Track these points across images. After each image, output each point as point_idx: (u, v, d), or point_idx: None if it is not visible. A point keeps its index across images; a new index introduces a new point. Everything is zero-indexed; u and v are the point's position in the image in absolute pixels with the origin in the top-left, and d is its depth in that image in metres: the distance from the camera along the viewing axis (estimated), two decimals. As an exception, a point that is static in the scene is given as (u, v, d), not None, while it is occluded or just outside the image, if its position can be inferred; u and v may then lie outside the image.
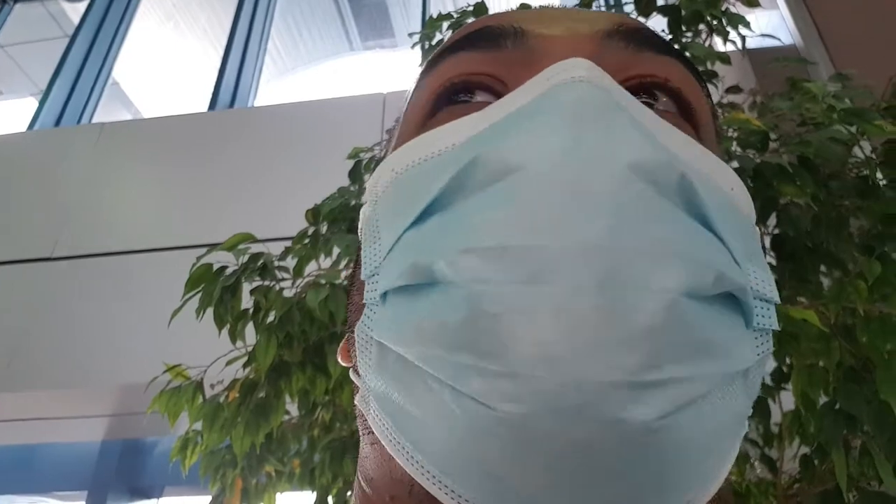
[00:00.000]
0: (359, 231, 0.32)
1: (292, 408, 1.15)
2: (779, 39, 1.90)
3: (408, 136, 0.32)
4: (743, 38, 1.07)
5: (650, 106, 0.29)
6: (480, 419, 0.21)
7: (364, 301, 0.26)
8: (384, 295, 0.25)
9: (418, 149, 0.28)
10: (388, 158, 0.30)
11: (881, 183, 0.86)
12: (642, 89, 0.30)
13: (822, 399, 0.83)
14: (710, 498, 0.24)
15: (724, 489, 0.26)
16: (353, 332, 0.29)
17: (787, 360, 0.95)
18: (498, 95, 0.30)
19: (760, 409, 0.98)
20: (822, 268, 0.94)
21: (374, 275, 0.26)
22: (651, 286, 0.20)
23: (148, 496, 2.71)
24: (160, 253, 2.33)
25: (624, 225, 0.21)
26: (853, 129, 0.74)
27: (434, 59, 0.34)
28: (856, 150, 0.86)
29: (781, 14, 2.20)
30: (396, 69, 4.25)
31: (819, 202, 0.83)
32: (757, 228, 0.28)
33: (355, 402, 0.29)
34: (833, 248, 0.88)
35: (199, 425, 1.17)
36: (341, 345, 0.36)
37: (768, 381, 1.03)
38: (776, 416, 1.06)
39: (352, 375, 0.30)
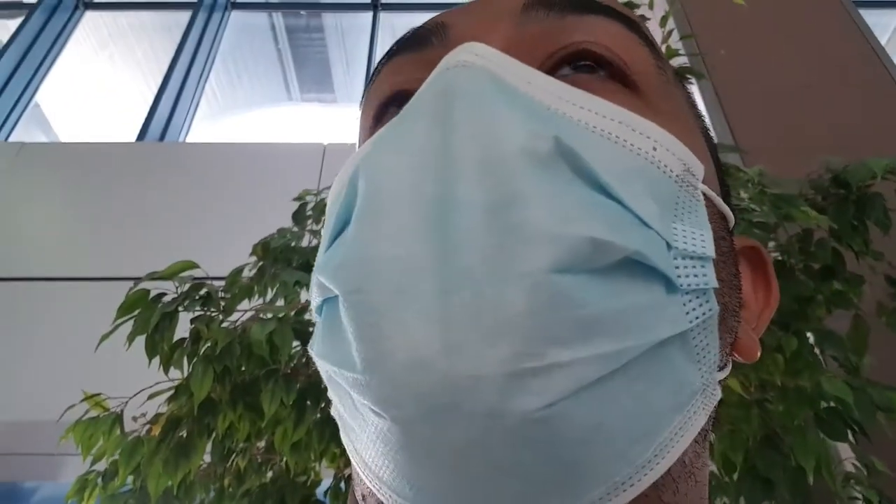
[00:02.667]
0: None
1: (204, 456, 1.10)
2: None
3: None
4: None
5: (591, 70, 0.29)
6: (379, 427, 0.22)
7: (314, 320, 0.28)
8: (319, 313, 0.27)
9: (346, 167, 0.29)
10: (336, 179, 0.30)
11: (795, 265, 0.95)
12: (569, 60, 0.29)
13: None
14: (667, 474, 0.23)
15: (698, 466, 0.26)
16: None
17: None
18: None
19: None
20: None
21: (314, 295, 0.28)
22: (509, 273, 0.20)
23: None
24: (72, 283, 2.19)
25: (476, 219, 0.21)
26: (779, 212, 0.83)
27: (375, 71, 0.34)
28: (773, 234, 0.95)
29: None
30: (336, 122, 4.30)
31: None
32: (698, 187, 0.26)
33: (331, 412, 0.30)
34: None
35: (99, 466, 1.09)
36: None
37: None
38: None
39: None
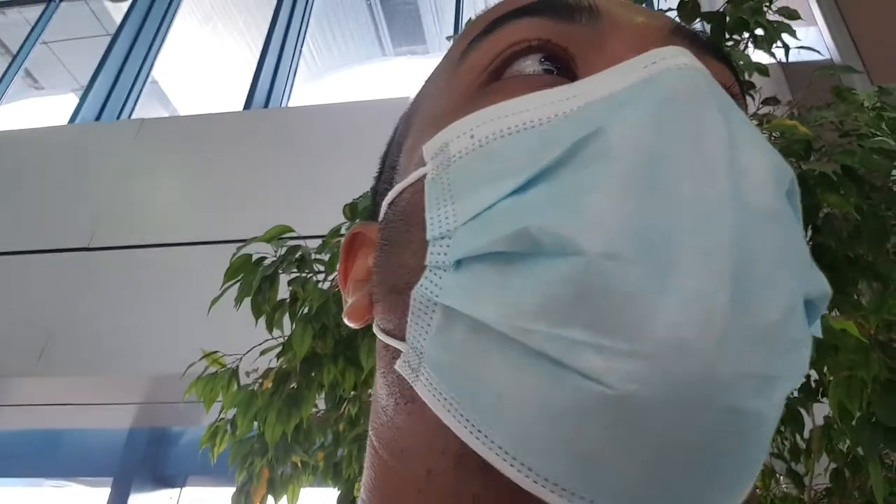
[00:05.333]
0: (392, 196, 0.31)
1: (319, 402, 1.17)
2: (819, 52, 1.87)
3: (462, 100, 0.30)
4: (787, 48, 1.06)
5: None
6: (588, 398, 0.20)
7: (426, 263, 0.24)
8: (459, 259, 0.23)
9: (506, 117, 0.26)
10: (461, 123, 0.27)
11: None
12: None
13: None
14: None
15: None
16: (380, 291, 0.29)
17: (824, 371, 0.94)
18: (568, 70, 0.29)
19: (793, 421, 0.97)
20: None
21: (443, 237, 0.24)
22: (780, 284, 0.21)
23: (172, 485, 2.75)
24: (194, 247, 2.38)
25: (757, 224, 0.21)
26: (900, 138, 0.74)
27: (495, 21, 0.31)
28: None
29: (819, 30, 2.17)
30: (428, 74, 4.28)
31: (862, 213, 0.82)
32: None
33: (395, 367, 0.27)
34: (873, 260, 0.87)
35: (229, 414, 1.20)
36: (353, 302, 0.34)
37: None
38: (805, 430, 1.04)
39: (383, 338, 0.29)
